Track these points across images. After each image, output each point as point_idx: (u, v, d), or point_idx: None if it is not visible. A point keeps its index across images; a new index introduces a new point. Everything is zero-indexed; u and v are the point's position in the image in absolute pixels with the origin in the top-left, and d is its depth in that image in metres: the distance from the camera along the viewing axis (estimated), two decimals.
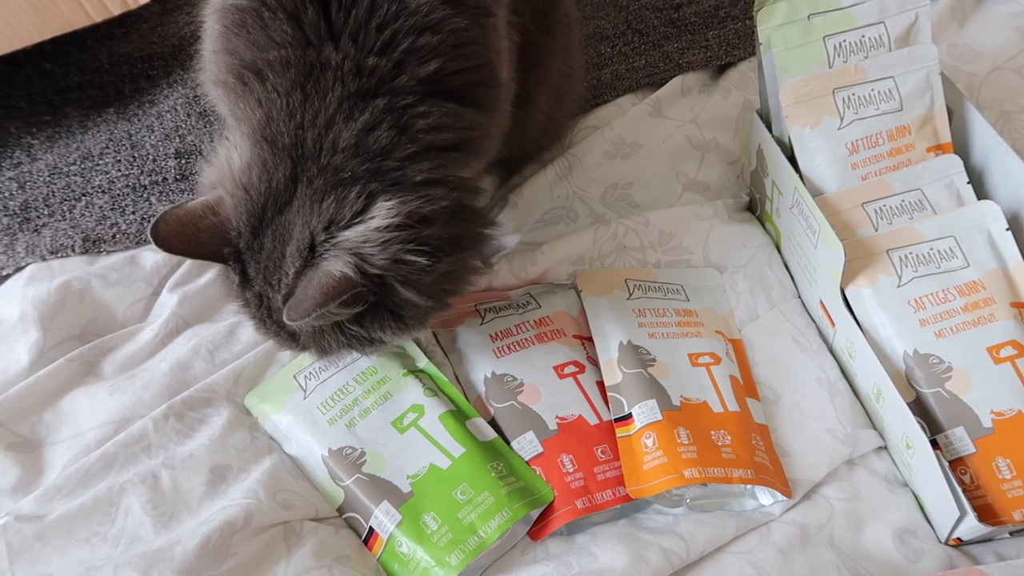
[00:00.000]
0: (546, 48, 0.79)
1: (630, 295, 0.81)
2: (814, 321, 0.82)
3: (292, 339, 0.66)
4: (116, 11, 0.94)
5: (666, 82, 0.99)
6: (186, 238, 0.62)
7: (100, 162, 0.92)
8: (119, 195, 0.89)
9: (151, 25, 1.03)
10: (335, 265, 0.58)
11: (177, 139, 0.94)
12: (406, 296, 0.61)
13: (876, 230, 0.77)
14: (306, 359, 0.75)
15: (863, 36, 0.79)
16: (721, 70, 1.02)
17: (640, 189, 0.91)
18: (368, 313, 0.62)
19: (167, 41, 1.02)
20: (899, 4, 0.79)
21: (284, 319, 0.59)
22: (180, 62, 1.01)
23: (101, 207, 0.88)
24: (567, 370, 0.75)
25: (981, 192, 0.80)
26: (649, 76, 1.00)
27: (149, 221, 0.86)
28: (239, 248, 0.62)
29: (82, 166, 0.92)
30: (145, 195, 0.90)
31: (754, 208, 0.90)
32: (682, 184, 0.91)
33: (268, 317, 0.64)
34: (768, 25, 0.79)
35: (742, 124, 0.95)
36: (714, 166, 0.92)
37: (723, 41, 1.02)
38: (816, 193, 0.79)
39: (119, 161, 0.92)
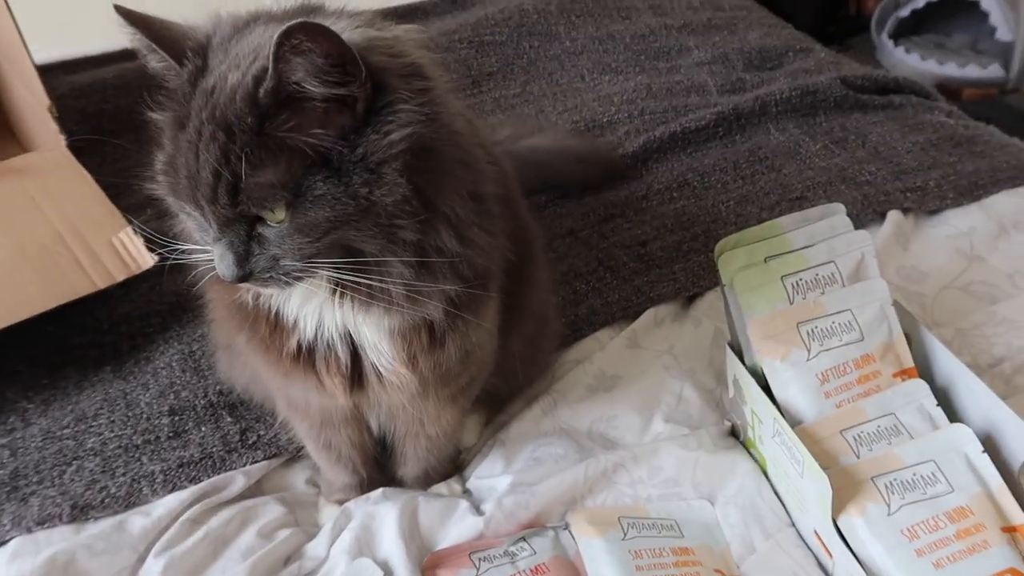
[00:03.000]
0: (528, 279, 0.84)
1: (625, 535, 0.80)
2: (811, 551, 0.81)
3: (223, 158, 0.55)
4: (120, 277, 1.00)
5: (640, 314, 1.05)
6: (151, 23, 0.60)
7: (94, 423, 0.93)
8: (111, 457, 0.90)
9: (151, 284, 1.08)
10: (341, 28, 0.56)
11: (172, 395, 0.96)
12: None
13: (858, 457, 0.79)
14: None
15: (817, 274, 0.86)
16: (690, 300, 1.08)
17: (624, 421, 0.93)
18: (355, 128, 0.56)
19: (165, 299, 1.08)
20: (846, 244, 0.87)
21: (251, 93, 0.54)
22: (177, 318, 1.06)
23: (91, 470, 0.89)
24: None
25: (951, 412, 0.83)
26: (623, 309, 1.06)
27: (139, 482, 0.87)
28: (209, 44, 0.60)
29: (75, 428, 0.93)
30: (137, 455, 0.90)
31: (737, 434, 0.92)
32: (664, 414, 0.93)
33: (213, 117, 0.55)
34: (730, 268, 0.85)
35: (716, 353, 1.00)
36: (694, 395, 0.95)
37: (689, 273, 1.10)
38: (795, 422, 0.81)
39: (113, 421, 0.93)
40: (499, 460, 0.91)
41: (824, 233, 0.86)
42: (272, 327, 0.69)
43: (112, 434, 0.92)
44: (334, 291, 0.64)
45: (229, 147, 0.55)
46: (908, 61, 2.41)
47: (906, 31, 2.51)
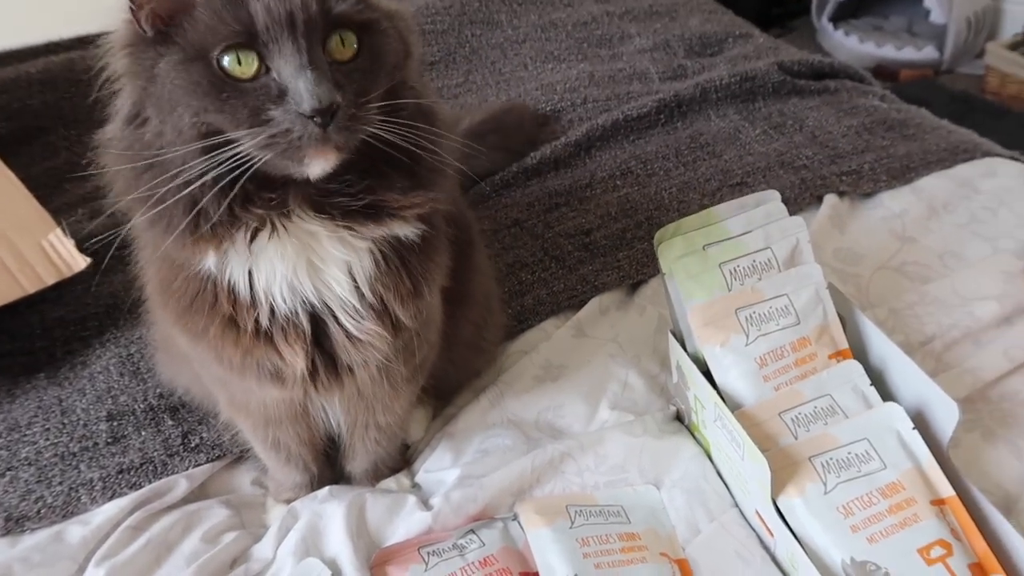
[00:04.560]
0: (471, 267, 0.84)
1: (572, 523, 0.81)
2: (754, 531, 0.83)
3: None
4: (50, 280, 0.97)
5: (585, 303, 1.06)
6: None
7: (28, 432, 0.91)
8: (46, 466, 0.87)
9: (85, 287, 1.05)
10: None
11: (109, 400, 0.94)
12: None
13: (796, 438, 0.81)
14: None
15: (754, 261, 0.87)
16: (634, 287, 1.10)
17: (571, 410, 0.94)
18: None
19: (101, 301, 1.05)
20: (781, 230, 0.88)
21: None
22: (114, 321, 1.03)
23: (26, 480, 0.86)
24: None
25: (884, 391, 0.85)
26: (569, 299, 1.06)
27: (77, 491, 0.85)
28: None
29: (8, 438, 0.90)
30: (74, 463, 0.88)
31: (682, 418, 0.94)
32: (610, 402, 0.94)
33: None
34: (669, 257, 0.86)
35: (660, 339, 1.01)
36: (639, 381, 0.96)
37: (633, 261, 1.11)
38: (735, 407, 0.83)
39: (48, 429, 0.91)
40: (447, 453, 0.91)
41: (760, 220, 0.88)
42: (233, 304, 0.66)
43: (47, 442, 0.90)
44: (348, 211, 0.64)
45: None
46: (847, 44, 2.46)
47: (845, 14, 2.56)
